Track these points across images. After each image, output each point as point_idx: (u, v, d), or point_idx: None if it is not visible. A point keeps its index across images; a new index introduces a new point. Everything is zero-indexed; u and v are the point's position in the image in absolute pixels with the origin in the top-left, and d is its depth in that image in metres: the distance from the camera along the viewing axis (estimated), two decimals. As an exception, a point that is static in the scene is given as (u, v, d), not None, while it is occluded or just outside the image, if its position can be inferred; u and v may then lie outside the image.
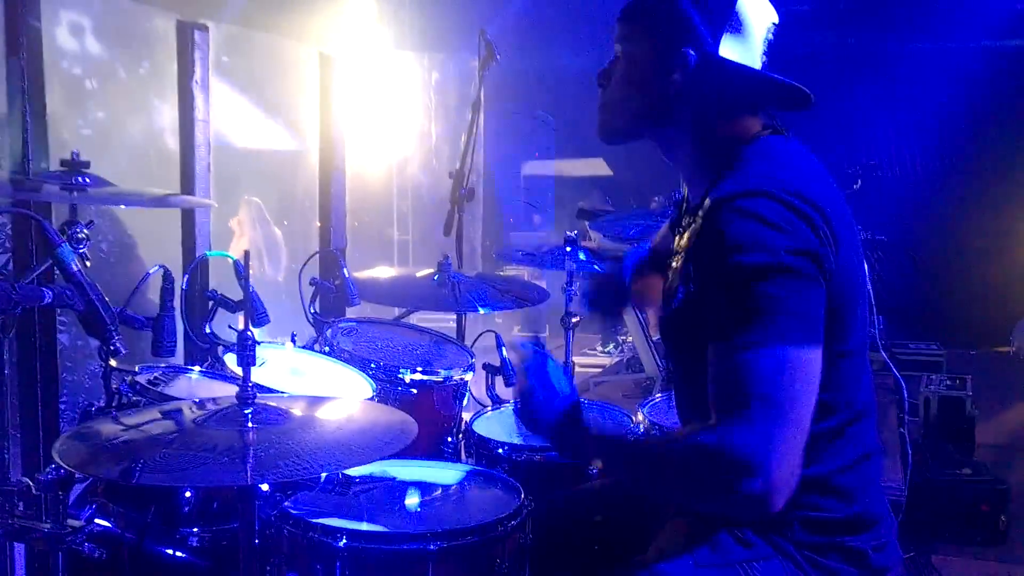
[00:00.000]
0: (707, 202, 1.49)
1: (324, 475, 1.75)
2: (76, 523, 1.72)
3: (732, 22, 1.55)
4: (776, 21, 1.61)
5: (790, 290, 1.37)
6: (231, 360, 2.32)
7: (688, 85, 1.57)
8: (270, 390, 2.09)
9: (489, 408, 2.62)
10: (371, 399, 2.36)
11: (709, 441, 1.37)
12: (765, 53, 1.60)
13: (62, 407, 3.14)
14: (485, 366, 2.75)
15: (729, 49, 1.55)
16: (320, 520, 1.71)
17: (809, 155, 1.59)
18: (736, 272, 1.38)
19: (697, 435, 1.41)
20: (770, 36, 1.60)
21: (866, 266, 1.64)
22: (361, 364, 2.52)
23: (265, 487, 1.68)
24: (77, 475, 1.63)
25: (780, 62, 1.62)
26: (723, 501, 1.40)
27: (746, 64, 1.57)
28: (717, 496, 1.39)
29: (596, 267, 2.92)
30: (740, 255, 1.38)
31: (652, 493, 1.69)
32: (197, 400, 1.83)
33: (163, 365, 2.24)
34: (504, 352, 2.78)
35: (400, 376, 2.53)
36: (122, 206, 4.20)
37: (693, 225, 1.57)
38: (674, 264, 1.65)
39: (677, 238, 1.71)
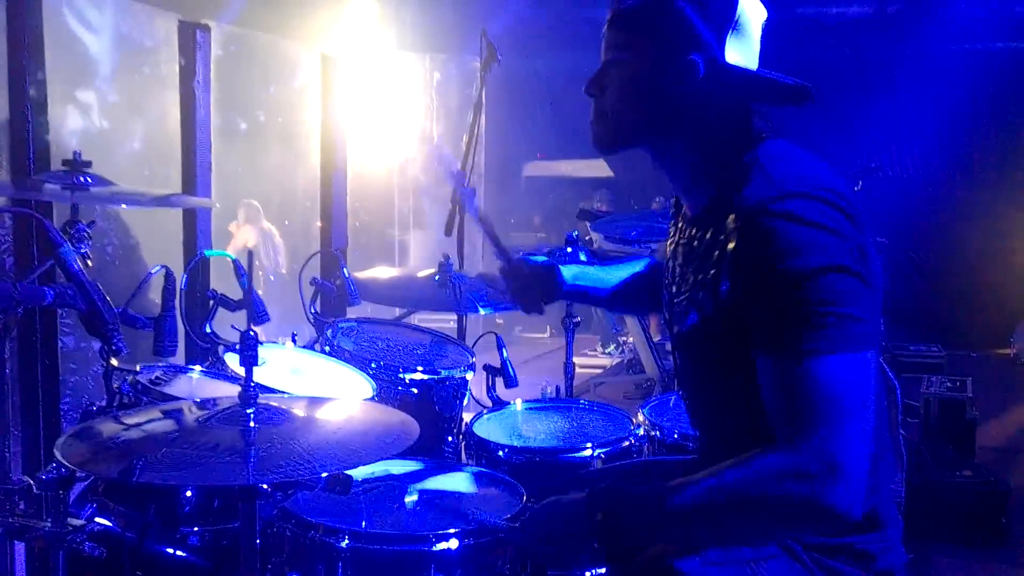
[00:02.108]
0: (734, 212, 1.44)
1: (325, 475, 1.75)
2: (76, 522, 1.72)
3: (735, 25, 1.52)
4: (766, 17, 1.59)
5: (846, 290, 1.34)
6: (232, 359, 2.32)
7: (695, 93, 1.53)
8: (271, 390, 2.09)
9: (489, 410, 2.62)
10: (371, 399, 2.36)
11: (790, 459, 1.33)
12: (761, 52, 1.59)
13: (65, 407, 3.15)
14: (486, 367, 2.75)
15: (734, 53, 1.53)
16: (322, 520, 1.72)
17: (811, 152, 1.59)
18: (789, 278, 1.35)
19: (771, 456, 1.36)
20: (761, 32, 1.58)
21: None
22: (361, 364, 2.52)
23: (266, 487, 1.68)
24: (78, 474, 1.63)
25: (781, 64, 1.61)
26: (809, 518, 1.35)
27: (748, 67, 1.55)
28: (803, 514, 1.34)
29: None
30: (791, 260, 1.35)
31: (731, 536, 1.49)
32: (198, 400, 1.83)
33: (163, 364, 2.24)
34: (505, 353, 2.78)
35: (400, 376, 2.53)
36: (124, 206, 4.21)
37: (712, 234, 1.51)
38: (685, 275, 1.60)
39: (677, 247, 1.68)
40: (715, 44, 1.51)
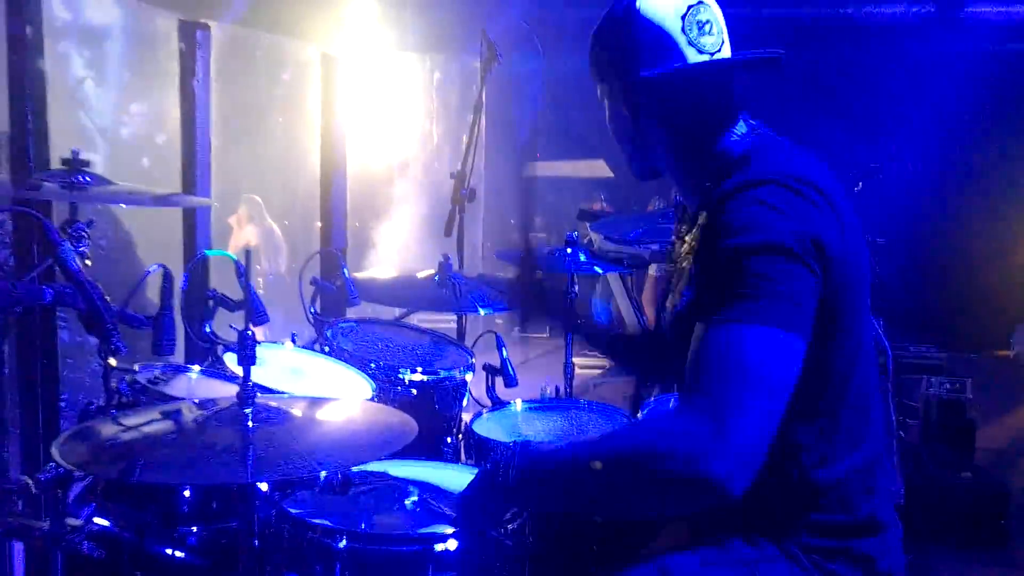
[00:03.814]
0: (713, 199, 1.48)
1: (324, 475, 1.75)
2: (75, 522, 1.72)
3: (685, 23, 1.53)
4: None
5: (781, 271, 1.33)
6: (231, 359, 2.32)
7: (664, 105, 1.57)
8: (270, 390, 2.08)
9: (489, 410, 2.62)
10: (371, 399, 2.35)
11: (680, 414, 1.30)
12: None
13: (62, 405, 3.14)
14: (485, 367, 2.74)
15: (695, 48, 1.54)
16: (320, 520, 1.71)
17: (804, 148, 1.59)
18: (730, 252, 1.36)
19: (654, 418, 1.37)
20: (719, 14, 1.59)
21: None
22: (361, 364, 2.51)
23: (264, 486, 1.68)
24: (76, 474, 1.63)
25: (785, 62, 1.60)
26: (687, 480, 1.25)
27: (718, 56, 1.56)
28: (681, 474, 1.25)
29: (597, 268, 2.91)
30: (737, 237, 1.36)
31: (617, 490, 1.37)
32: (197, 400, 1.82)
33: (162, 364, 2.24)
34: (504, 353, 2.77)
35: (400, 376, 2.53)
36: (122, 205, 4.21)
37: (699, 224, 1.55)
38: (680, 266, 1.65)
39: (680, 244, 1.70)
40: (671, 51, 1.53)
